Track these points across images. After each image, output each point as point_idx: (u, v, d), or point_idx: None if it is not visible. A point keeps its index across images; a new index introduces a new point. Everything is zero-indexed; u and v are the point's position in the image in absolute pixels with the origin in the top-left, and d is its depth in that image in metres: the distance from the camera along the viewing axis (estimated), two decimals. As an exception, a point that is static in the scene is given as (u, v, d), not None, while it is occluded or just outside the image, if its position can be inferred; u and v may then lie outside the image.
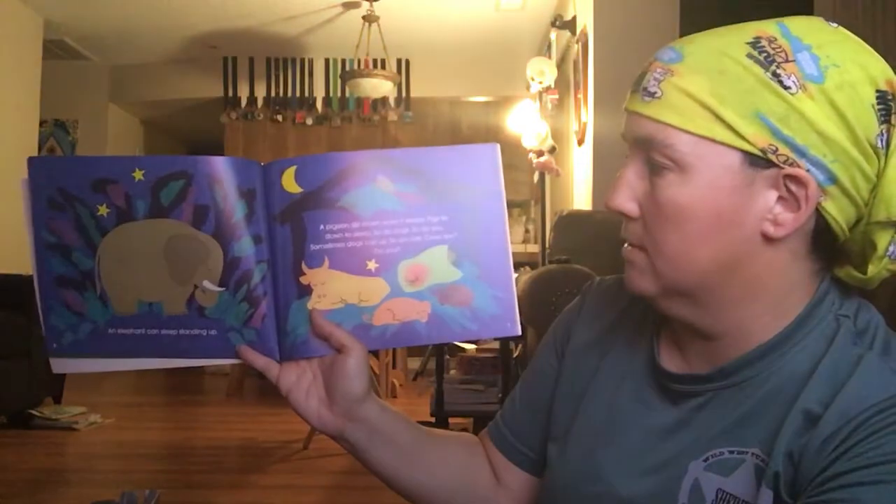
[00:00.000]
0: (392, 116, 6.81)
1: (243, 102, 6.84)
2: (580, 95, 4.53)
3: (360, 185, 0.80)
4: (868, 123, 0.63)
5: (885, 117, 0.64)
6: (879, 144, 0.64)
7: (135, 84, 6.98)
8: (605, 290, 0.88)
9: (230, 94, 6.81)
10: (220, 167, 0.80)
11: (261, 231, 0.81)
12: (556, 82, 4.98)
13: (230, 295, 0.81)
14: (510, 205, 7.13)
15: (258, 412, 4.74)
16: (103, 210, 0.81)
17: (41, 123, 5.93)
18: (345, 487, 2.97)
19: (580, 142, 4.62)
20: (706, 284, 0.68)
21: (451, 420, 3.47)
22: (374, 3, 5.33)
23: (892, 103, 0.64)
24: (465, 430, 3.58)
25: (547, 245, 4.20)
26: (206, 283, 0.81)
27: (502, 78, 6.54)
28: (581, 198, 4.59)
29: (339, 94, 6.78)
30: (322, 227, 0.81)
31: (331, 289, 0.81)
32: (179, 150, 8.89)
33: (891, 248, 0.66)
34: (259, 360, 0.82)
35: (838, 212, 0.65)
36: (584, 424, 0.81)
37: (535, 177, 5.91)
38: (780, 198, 0.65)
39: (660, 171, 0.67)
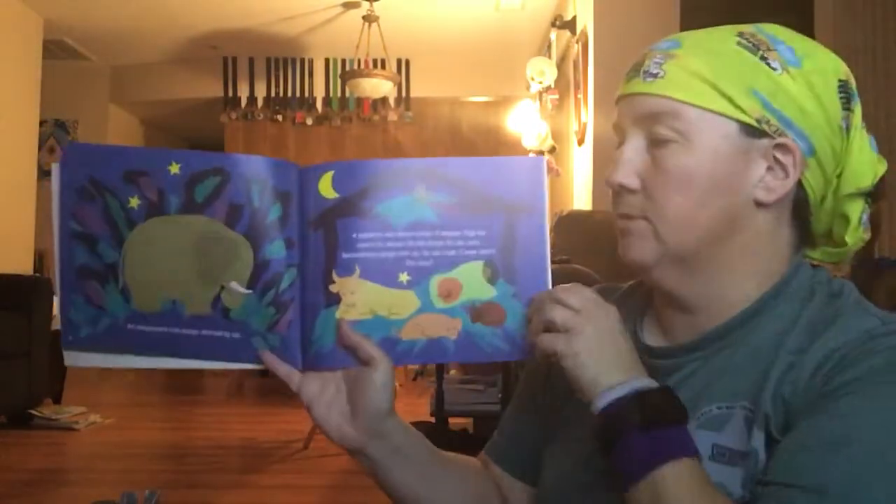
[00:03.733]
0: (392, 116, 6.81)
1: (243, 102, 6.84)
2: (580, 95, 4.53)
3: (396, 195, 0.78)
4: (835, 106, 0.73)
5: (846, 104, 0.74)
6: (843, 126, 0.74)
7: (135, 84, 6.98)
8: None
9: (230, 94, 6.82)
10: (259, 167, 0.78)
11: (293, 235, 0.78)
12: (556, 82, 4.98)
13: (257, 298, 0.78)
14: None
15: (258, 412, 4.74)
16: (134, 202, 0.78)
17: (41, 123, 5.93)
18: (345, 487, 2.97)
19: (580, 142, 4.62)
20: (703, 249, 0.74)
21: (451, 420, 3.48)
22: (374, 3, 5.33)
23: (850, 92, 0.74)
24: (465, 429, 3.59)
25: (547, 245, 4.19)
26: (234, 285, 0.78)
27: (502, 78, 6.55)
28: (581, 198, 4.59)
29: (339, 94, 6.78)
30: (355, 235, 0.78)
31: (360, 299, 0.78)
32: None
33: (864, 218, 0.76)
34: (281, 368, 0.79)
35: (815, 183, 0.74)
36: (574, 418, 0.82)
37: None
38: (769, 167, 0.72)
39: (664, 144, 0.73)
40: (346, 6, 5.54)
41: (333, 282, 0.78)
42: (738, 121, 0.71)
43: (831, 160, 0.74)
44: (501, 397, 3.30)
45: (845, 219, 0.76)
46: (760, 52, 0.72)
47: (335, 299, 0.78)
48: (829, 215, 0.77)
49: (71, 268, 0.79)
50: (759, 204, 0.73)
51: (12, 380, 3.93)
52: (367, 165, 0.79)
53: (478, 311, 0.78)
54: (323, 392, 0.79)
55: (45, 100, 5.77)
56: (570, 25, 4.79)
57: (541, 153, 5.20)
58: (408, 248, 0.78)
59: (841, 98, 0.73)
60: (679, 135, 0.72)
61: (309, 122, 6.83)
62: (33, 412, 4.05)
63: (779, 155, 0.72)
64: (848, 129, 0.74)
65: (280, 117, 6.81)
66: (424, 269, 0.78)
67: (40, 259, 6.31)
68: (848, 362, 0.65)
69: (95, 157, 0.80)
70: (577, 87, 4.63)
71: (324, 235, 0.78)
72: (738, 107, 0.71)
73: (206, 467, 3.30)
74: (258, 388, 5.52)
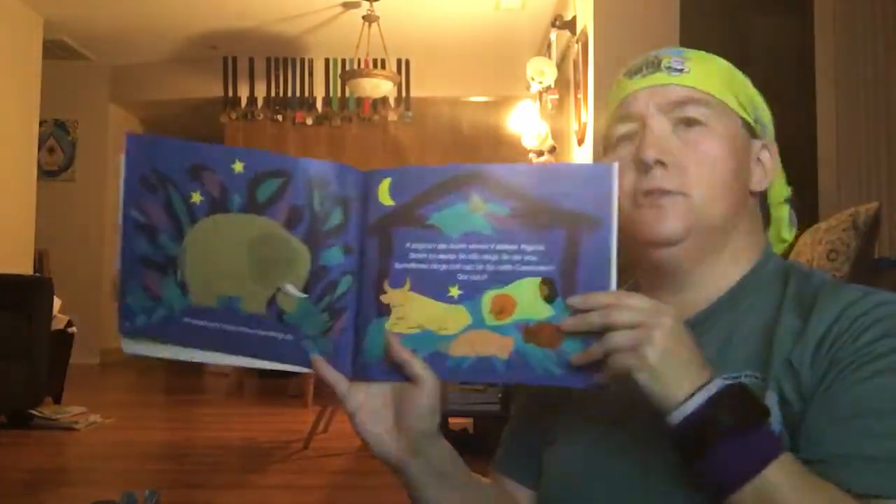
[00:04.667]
0: (392, 116, 6.81)
1: (243, 102, 6.84)
2: (580, 95, 4.53)
3: (451, 203, 0.74)
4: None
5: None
6: None
7: (135, 84, 6.99)
8: None
9: (230, 94, 6.82)
10: (322, 170, 0.76)
11: (352, 241, 0.76)
12: (556, 82, 4.98)
13: (312, 303, 0.77)
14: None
15: (258, 412, 4.74)
16: (196, 197, 0.78)
17: (41, 123, 5.93)
18: (345, 487, 2.97)
19: (580, 142, 4.62)
20: (725, 225, 0.80)
21: (451, 420, 3.48)
22: (374, 3, 5.33)
23: None
24: (464, 430, 3.59)
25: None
26: (290, 288, 0.77)
27: (502, 78, 6.55)
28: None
29: (339, 94, 6.78)
30: (408, 245, 0.75)
31: (410, 312, 0.75)
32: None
33: (791, 218, 0.89)
34: (330, 374, 0.77)
35: (775, 182, 0.87)
36: (576, 408, 0.84)
37: (535, 177, 5.90)
38: (756, 162, 0.84)
39: (693, 126, 0.79)
40: (346, 6, 5.54)
41: (385, 292, 0.76)
42: (742, 119, 0.82)
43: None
44: (501, 397, 3.31)
45: (780, 220, 0.89)
46: (739, 72, 0.85)
47: (386, 310, 0.76)
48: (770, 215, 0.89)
49: (133, 257, 0.80)
50: (752, 193, 0.83)
51: (12, 380, 3.93)
52: (424, 172, 0.76)
53: (532, 331, 0.72)
54: (368, 404, 0.77)
55: (45, 100, 5.77)
56: (570, 25, 4.79)
57: (541, 153, 5.20)
58: (460, 262, 0.74)
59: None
60: (706, 120, 0.79)
61: (309, 122, 6.83)
62: (33, 412, 4.05)
63: (763, 154, 0.84)
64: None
65: (280, 117, 6.81)
66: (477, 284, 0.74)
67: (40, 259, 6.32)
68: (845, 339, 0.70)
69: (159, 148, 0.80)
70: (577, 87, 4.64)
71: (378, 244, 0.76)
72: (743, 108, 0.82)
73: (206, 467, 3.30)
74: (258, 388, 5.52)
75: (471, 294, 0.74)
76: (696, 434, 0.66)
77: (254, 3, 5.49)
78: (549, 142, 5.14)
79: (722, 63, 0.84)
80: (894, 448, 0.65)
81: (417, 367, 0.74)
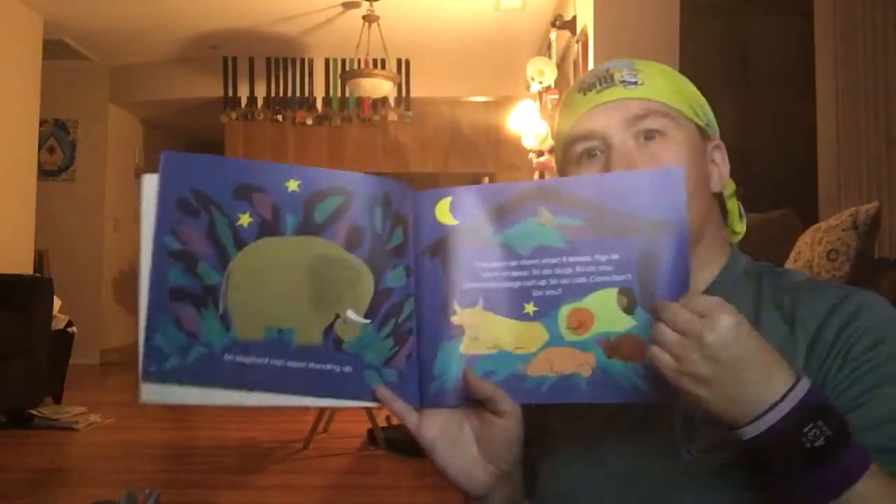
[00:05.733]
0: (392, 116, 6.81)
1: (243, 102, 6.84)
2: (580, 95, 4.53)
3: (519, 220, 0.72)
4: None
5: None
6: None
7: (135, 84, 6.98)
8: None
9: (230, 94, 6.82)
10: (381, 188, 0.72)
11: (411, 263, 0.73)
12: (556, 82, 4.98)
13: (375, 329, 0.72)
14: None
15: (258, 412, 4.74)
16: (245, 220, 0.71)
17: (41, 123, 5.93)
18: (345, 487, 2.97)
19: (580, 142, 4.61)
20: (699, 232, 0.80)
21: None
22: (374, 3, 5.33)
23: None
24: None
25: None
26: (351, 314, 0.72)
27: (502, 78, 6.55)
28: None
29: (339, 94, 6.78)
30: (477, 263, 0.73)
31: (484, 332, 0.73)
32: (179, 149, 8.87)
33: (740, 211, 0.89)
34: (397, 405, 0.73)
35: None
36: (565, 423, 0.84)
37: (535, 177, 5.91)
38: (711, 162, 0.85)
39: (655, 137, 0.79)
40: (346, 6, 5.54)
41: (455, 313, 0.73)
42: (696, 124, 0.83)
43: None
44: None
45: (731, 213, 0.89)
46: (683, 76, 0.86)
47: (457, 332, 0.73)
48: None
49: (162, 289, 0.71)
50: (713, 194, 0.84)
51: (12, 380, 3.93)
52: (486, 190, 0.74)
53: (613, 345, 0.69)
54: (447, 433, 0.74)
55: (45, 100, 5.77)
56: (570, 25, 4.79)
57: (541, 153, 5.20)
58: (534, 277, 0.72)
59: None
60: (665, 131, 0.80)
61: (309, 122, 6.83)
62: (33, 412, 4.05)
63: (716, 154, 0.85)
64: None
65: (280, 117, 6.81)
66: (552, 299, 0.71)
67: (40, 259, 6.32)
68: (842, 345, 0.71)
69: (200, 167, 0.73)
70: (577, 87, 4.63)
71: (442, 264, 0.73)
72: (695, 113, 0.83)
73: (206, 467, 3.30)
74: (258, 388, 5.49)
75: (546, 310, 0.71)
76: (779, 449, 0.61)
77: (254, 3, 5.49)
78: (549, 142, 5.14)
79: (669, 71, 0.85)
80: None
81: (503, 401, 0.71)
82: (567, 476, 0.82)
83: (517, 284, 0.72)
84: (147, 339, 0.71)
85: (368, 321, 0.72)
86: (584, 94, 0.82)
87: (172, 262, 0.72)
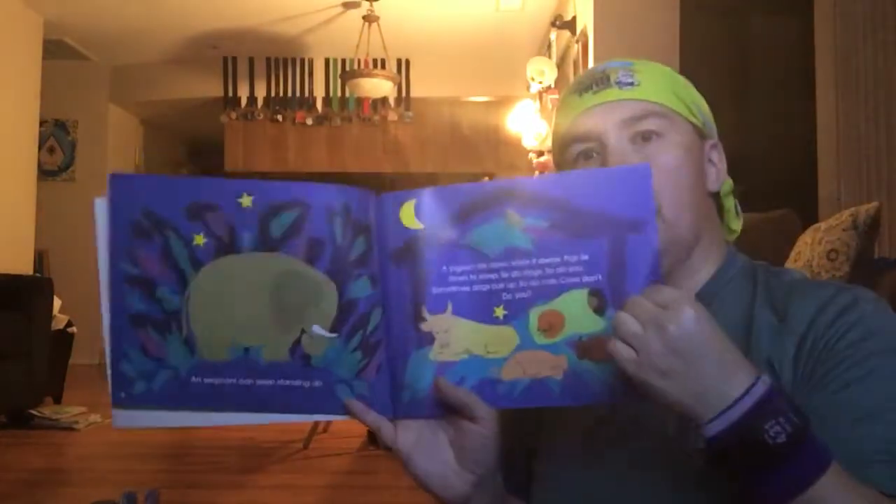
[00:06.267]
0: (392, 116, 6.81)
1: (243, 102, 6.84)
2: (580, 95, 4.52)
3: (486, 221, 0.71)
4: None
5: None
6: None
7: (135, 84, 6.98)
8: None
9: (230, 94, 6.82)
10: (338, 196, 0.70)
11: (376, 271, 0.71)
12: (556, 82, 4.98)
13: (342, 342, 0.71)
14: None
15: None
16: (199, 240, 0.70)
17: (41, 123, 5.93)
18: (345, 487, 2.97)
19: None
20: (694, 232, 0.80)
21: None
22: (374, 3, 5.33)
23: None
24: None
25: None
26: (317, 329, 0.70)
27: (502, 78, 6.55)
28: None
29: (339, 94, 6.78)
30: (445, 268, 0.71)
31: (454, 338, 0.71)
32: (179, 150, 8.90)
33: (737, 209, 0.89)
34: (370, 417, 0.72)
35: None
36: (559, 423, 0.84)
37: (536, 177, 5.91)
38: (708, 161, 0.85)
39: (651, 139, 0.79)
40: (346, 6, 5.54)
41: (424, 320, 0.71)
42: (693, 124, 0.82)
43: None
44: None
45: (728, 212, 0.89)
46: (681, 76, 0.86)
47: (428, 339, 0.71)
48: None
49: (123, 315, 0.71)
50: (710, 193, 0.84)
51: (12, 380, 3.93)
52: (451, 192, 0.72)
53: (585, 347, 0.69)
54: (422, 442, 0.73)
55: (45, 100, 5.77)
56: (570, 25, 4.79)
57: (541, 153, 5.20)
58: (503, 280, 0.70)
59: None
60: (661, 131, 0.79)
61: (309, 122, 6.83)
62: (33, 412, 4.05)
63: (713, 154, 0.85)
64: None
65: (280, 117, 6.81)
66: (522, 302, 0.70)
67: (40, 259, 6.32)
68: (833, 334, 0.71)
69: (149, 188, 0.71)
70: (577, 87, 4.63)
71: (409, 270, 0.71)
72: (692, 113, 0.83)
73: (206, 467, 3.30)
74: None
75: (516, 313, 0.70)
76: (738, 448, 0.60)
77: (254, 3, 5.49)
78: (549, 142, 5.14)
79: (667, 71, 0.85)
80: None
81: (478, 407, 0.71)
82: (562, 476, 0.83)
83: (486, 288, 0.71)
84: (113, 366, 0.72)
85: (335, 335, 0.71)
86: (581, 94, 0.82)
87: (130, 288, 0.71)
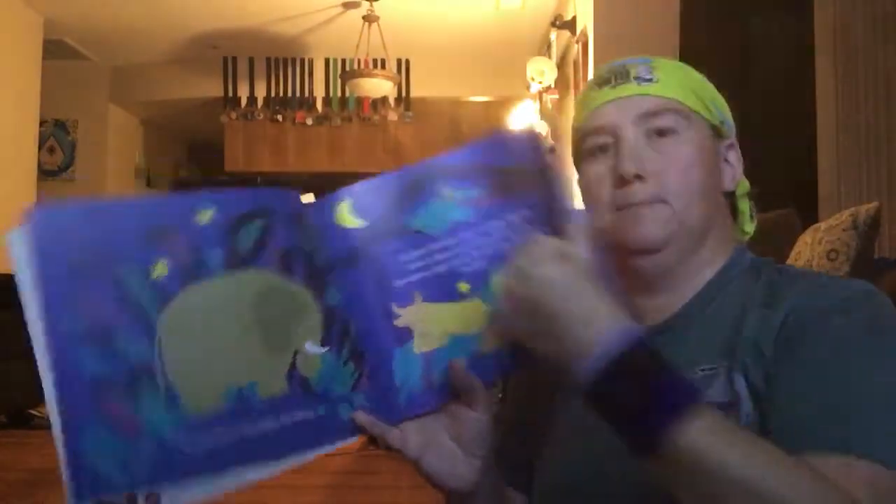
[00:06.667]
0: (392, 116, 6.81)
1: (243, 102, 6.83)
2: (580, 95, 4.53)
3: (424, 203, 0.70)
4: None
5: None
6: None
7: (135, 84, 6.98)
8: None
9: (230, 94, 6.81)
10: (296, 201, 0.67)
11: (338, 276, 0.68)
12: (556, 82, 4.98)
13: (334, 356, 0.67)
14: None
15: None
16: (161, 269, 0.59)
17: (41, 123, 5.93)
18: (345, 487, 2.97)
19: (580, 142, 4.61)
20: (704, 226, 0.81)
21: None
22: (374, 3, 5.33)
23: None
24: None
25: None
26: (309, 345, 0.65)
27: (502, 78, 6.54)
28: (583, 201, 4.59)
29: (339, 94, 6.78)
30: (400, 257, 0.69)
31: (430, 325, 0.69)
32: (179, 150, 8.90)
33: (751, 212, 0.89)
34: (377, 429, 0.71)
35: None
36: (562, 426, 0.84)
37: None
38: (724, 161, 0.85)
39: (667, 134, 0.80)
40: (346, 6, 5.54)
41: (397, 315, 0.69)
42: (710, 123, 0.83)
43: None
44: (501, 397, 3.30)
45: (742, 213, 0.89)
46: (703, 75, 0.86)
47: (406, 334, 0.69)
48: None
49: (80, 386, 0.56)
50: (724, 193, 0.85)
51: (12, 380, 3.93)
52: (382, 182, 0.70)
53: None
54: (430, 442, 0.72)
55: (45, 100, 5.77)
56: (570, 25, 4.78)
57: (541, 153, 5.20)
58: (458, 255, 0.69)
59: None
60: (677, 128, 0.80)
61: (309, 122, 6.82)
62: (33, 412, 4.05)
63: (730, 154, 0.86)
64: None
65: (280, 117, 6.81)
66: (481, 272, 0.69)
67: (40, 259, 6.31)
68: (817, 309, 0.70)
69: (83, 219, 0.58)
70: (577, 87, 4.63)
71: (364, 270, 0.68)
72: (709, 111, 0.83)
73: (206, 467, 3.30)
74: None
75: (479, 284, 0.69)
76: (610, 392, 0.59)
77: (254, 3, 5.49)
78: (549, 142, 5.14)
79: (687, 69, 0.86)
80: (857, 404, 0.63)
81: (479, 390, 0.70)
82: (562, 464, 0.83)
83: (444, 267, 0.69)
84: (77, 463, 0.55)
85: (326, 348, 0.67)
86: (600, 88, 0.83)
87: (82, 346, 0.57)
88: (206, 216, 0.61)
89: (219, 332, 0.61)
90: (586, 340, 0.60)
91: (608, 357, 0.59)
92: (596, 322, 0.60)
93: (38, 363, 0.54)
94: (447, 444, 0.73)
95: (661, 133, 0.80)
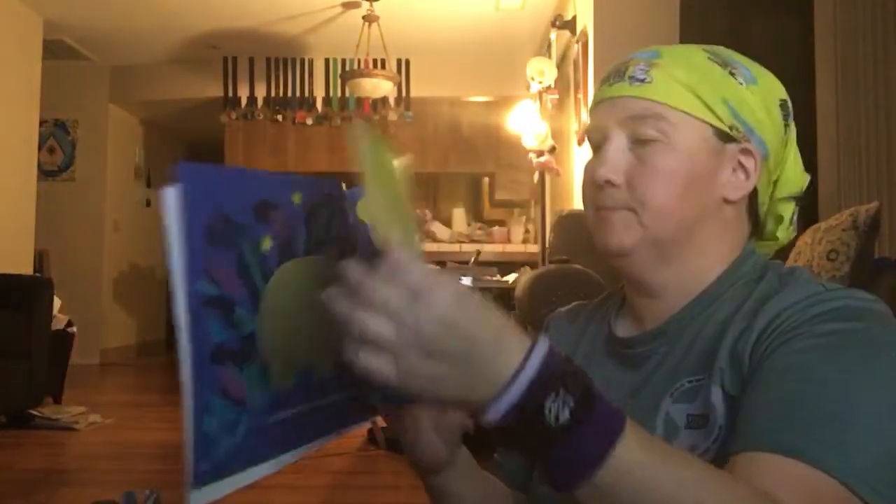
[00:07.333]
0: (392, 116, 6.81)
1: (243, 102, 6.84)
2: (580, 95, 4.53)
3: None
4: (779, 121, 0.81)
5: (786, 120, 0.82)
6: (783, 139, 0.83)
7: (135, 84, 6.98)
8: (563, 316, 0.98)
9: (230, 94, 6.82)
10: (344, 192, 0.67)
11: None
12: (556, 82, 4.98)
13: None
14: (511, 204, 7.13)
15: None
16: (267, 243, 0.59)
17: (41, 123, 5.93)
18: (345, 487, 2.97)
19: (580, 142, 4.62)
20: (679, 236, 0.79)
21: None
22: (374, 3, 5.33)
23: (788, 111, 0.83)
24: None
25: (547, 245, 4.20)
26: None
27: (502, 78, 6.55)
28: (581, 198, 4.59)
29: (339, 94, 6.78)
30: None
31: None
32: (179, 150, 8.90)
33: (794, 218, 0.86)
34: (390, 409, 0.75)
35: (762, 184, 0.82)
36: None
37: (535, 177, 5.91)
38: (734, 169, 0.80)
39: (648, 143, 0.78)
40: (346, 6, 5.54)
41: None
42: (712, 126, 0.78)
43: (774, 167, 0.83)
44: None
45: (779, 218, 0.85)
46: (728, 68, 0.79)
47: None
48: (765, 214, 0.86)
49: (205, 351, 0.54)
50: (726, 200, 0.80)
51: (12, 380, 3.93)
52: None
53: None
54: (421, 424, 0.76)
55: (45, 100, 5.77)
56: (570, 25, 4.79)
57: (541, 153, 5.20)
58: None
59: (782, 115, 0.82)
60: (663, 135, 0.77)
61: (309, 122, 6.83)
62: (33, 412, 4.05)
63: (742, 158, 0.80)
64: (786, 142, 0.83)
65: (280, 117, 6.81)
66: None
67: (40, 259, 6.32)
68: (790, 324, 0.68)
69: (222, 183, 0.57)
70: (577, 87, 4.63)
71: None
72: (713, 113, 0.78)
73: (206, 467, 3.29)
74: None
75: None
76: (524, 428, 0.53)
77: (254, 3, 5.49)
78: (549, 142, 5.14)
79: (697, 63, 0.79)
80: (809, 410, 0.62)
81: (408, 415, 0.75)
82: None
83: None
84: (197, 425, 0.53)
85: None
86: (602, 85, 0.84)
87: (212, 311, 0.55)
88: (297, 197, 0.62)
89: (295, 311, 0.61)
90: (504, 371, 0.53)
91: (528, 384, 0.52)
92: (512, 349, 0.53)
93: (178, 328, 0.53)
94: (425, 423, 0.77)
95: (644, 142, 0.78)
